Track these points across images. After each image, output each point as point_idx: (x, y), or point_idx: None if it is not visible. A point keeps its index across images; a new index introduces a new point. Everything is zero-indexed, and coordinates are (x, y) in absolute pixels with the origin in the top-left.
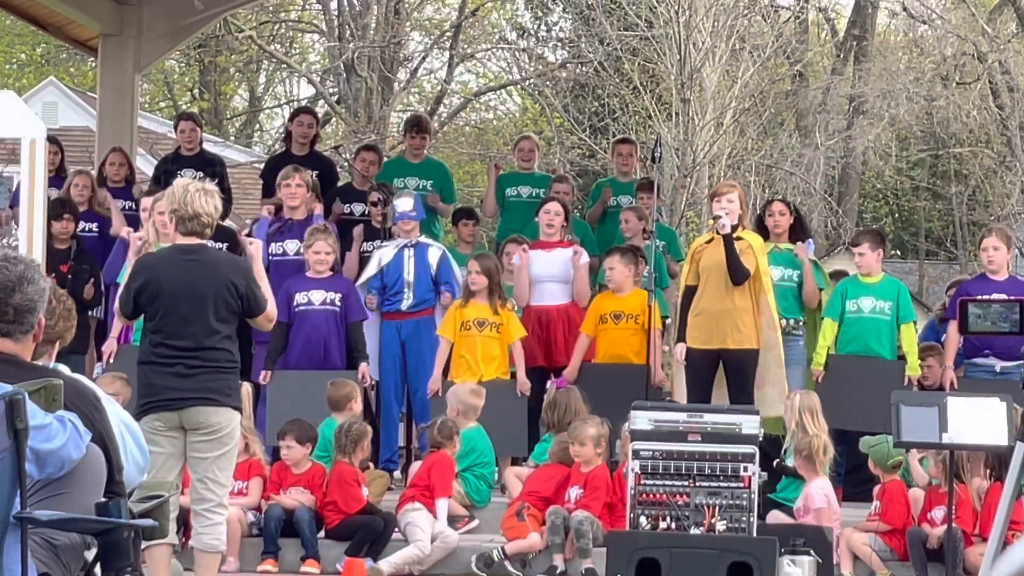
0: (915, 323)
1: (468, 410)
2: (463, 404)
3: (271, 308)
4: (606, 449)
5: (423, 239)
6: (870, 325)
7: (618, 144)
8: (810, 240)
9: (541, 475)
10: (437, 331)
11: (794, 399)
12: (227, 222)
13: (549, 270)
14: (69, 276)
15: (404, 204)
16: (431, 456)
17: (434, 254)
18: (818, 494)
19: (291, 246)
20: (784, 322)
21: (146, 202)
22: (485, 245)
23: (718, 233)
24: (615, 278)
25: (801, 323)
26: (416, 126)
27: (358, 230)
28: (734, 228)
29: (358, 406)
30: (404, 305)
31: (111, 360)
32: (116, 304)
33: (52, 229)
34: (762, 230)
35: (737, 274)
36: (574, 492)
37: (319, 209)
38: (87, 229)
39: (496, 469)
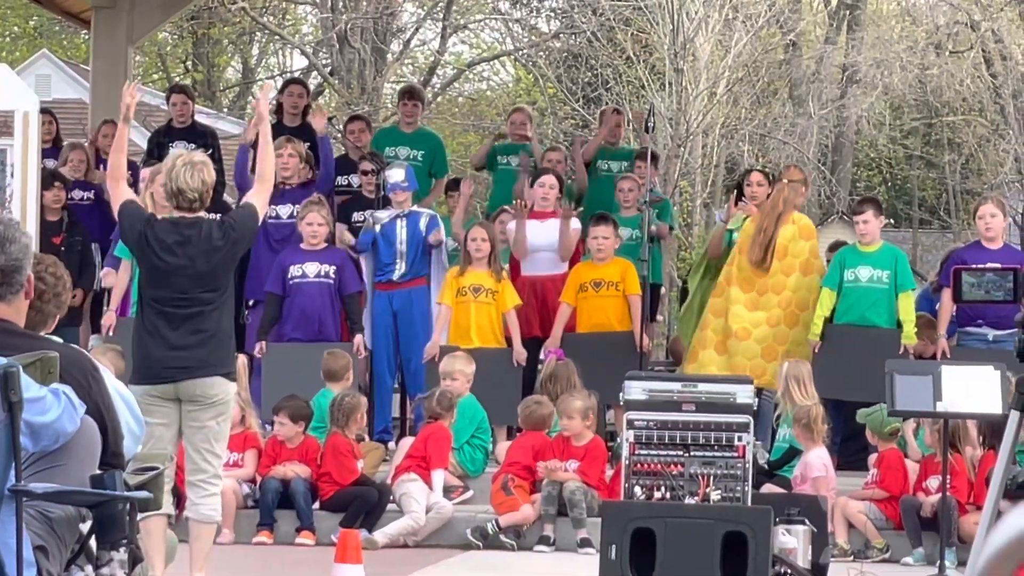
0: (914, 291)
1: (463, 379)
2: (463, 373)
3: (265, 190)
4: (596, 421)
5: (416, 208)
6: (867, 294)
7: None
8: None
9: (520, 444)
10: (437, 299)
11: (782, 367)
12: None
13: (544, 240)
14: (62, 248)
15: (396, 175)
16: (428, 427)
17: (425, 220)
18: (817, 463)
19: (284, 210)
20: None
21: (144, 173)
22: (479, 215)
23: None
24: (606, 247)
25: None
26: (408, 93)
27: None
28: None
29: (352, 377)
30: (396, 275)
31: (111, 333)
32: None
33: (43, 200)
34: (740, 198)
35: None
36: (571, 465)
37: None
38: (83, 199)
39: (492, 438)
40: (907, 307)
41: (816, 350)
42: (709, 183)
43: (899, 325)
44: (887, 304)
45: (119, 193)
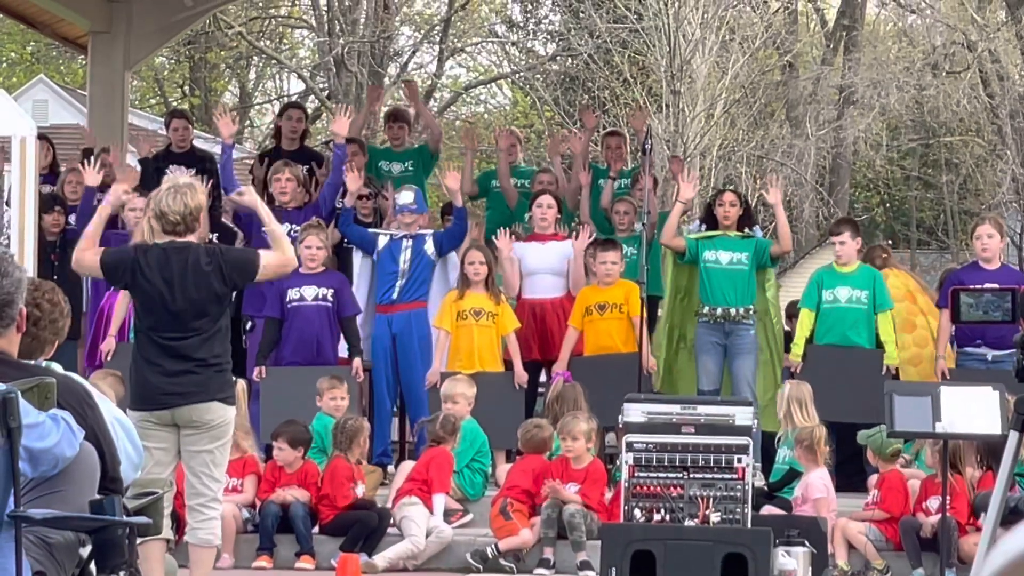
0: (891, 311)
1: (465, 402)
2: (464, 396)
3: (282, 253)
4: (597, 443)
5: (421, 232)
6: (847, 315)
7: (607, 137)
8: (756, 227)
9: (520, 468)
10: (434, 323)
11: (784, 389)
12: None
13: (544, 263)
14: (56, 264)
15: (405, 197)
16: (430, 450)
17: (430, 244)
18: (818, 483)
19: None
20: (735, 311)
21: (140, 202)
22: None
23: None
24: (614, 272)
25: (752, 311)
26: (393, 116)
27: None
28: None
29: (343, 401)
30: (396, 295)
31: (109, 358)
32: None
33: (42, 223)
34: (711, 219)
35: None
36: (571, 488)
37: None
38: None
39: (492, 462)
40: (886, 327)
41: (797, 371)
42: (707, 205)
43: (879, 345)
44: (867, 324)
45: (91, 256)
